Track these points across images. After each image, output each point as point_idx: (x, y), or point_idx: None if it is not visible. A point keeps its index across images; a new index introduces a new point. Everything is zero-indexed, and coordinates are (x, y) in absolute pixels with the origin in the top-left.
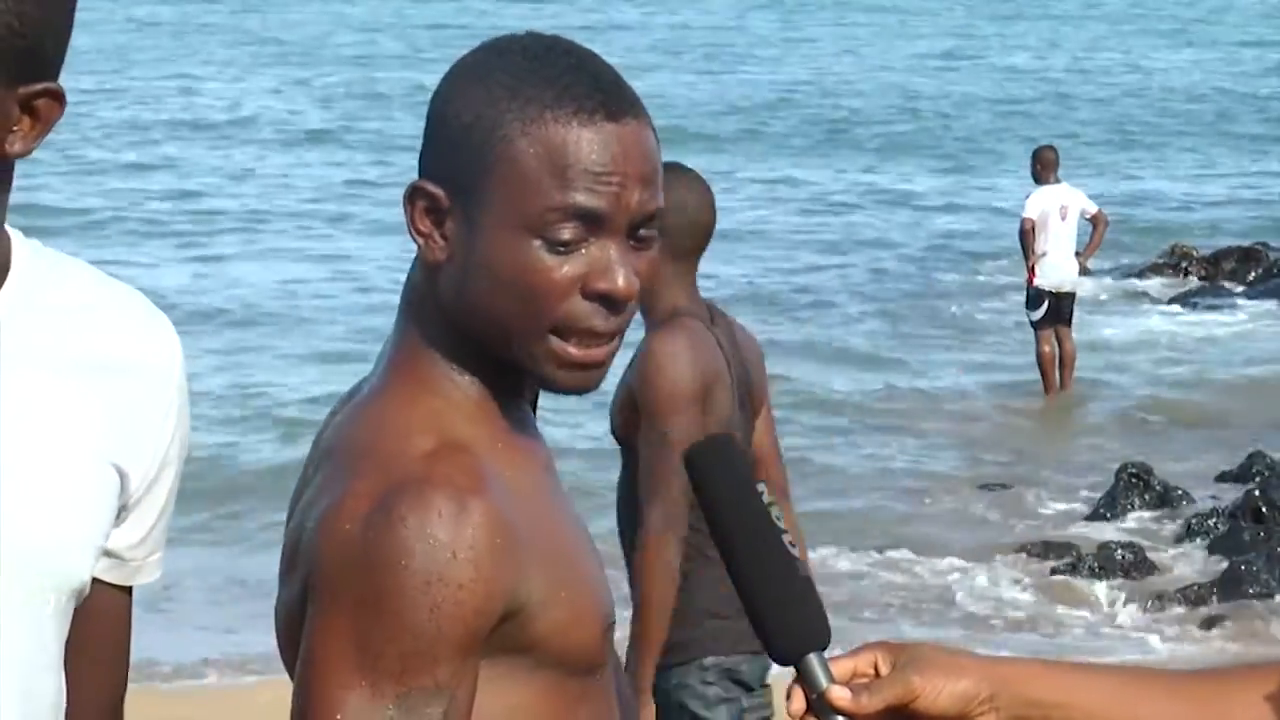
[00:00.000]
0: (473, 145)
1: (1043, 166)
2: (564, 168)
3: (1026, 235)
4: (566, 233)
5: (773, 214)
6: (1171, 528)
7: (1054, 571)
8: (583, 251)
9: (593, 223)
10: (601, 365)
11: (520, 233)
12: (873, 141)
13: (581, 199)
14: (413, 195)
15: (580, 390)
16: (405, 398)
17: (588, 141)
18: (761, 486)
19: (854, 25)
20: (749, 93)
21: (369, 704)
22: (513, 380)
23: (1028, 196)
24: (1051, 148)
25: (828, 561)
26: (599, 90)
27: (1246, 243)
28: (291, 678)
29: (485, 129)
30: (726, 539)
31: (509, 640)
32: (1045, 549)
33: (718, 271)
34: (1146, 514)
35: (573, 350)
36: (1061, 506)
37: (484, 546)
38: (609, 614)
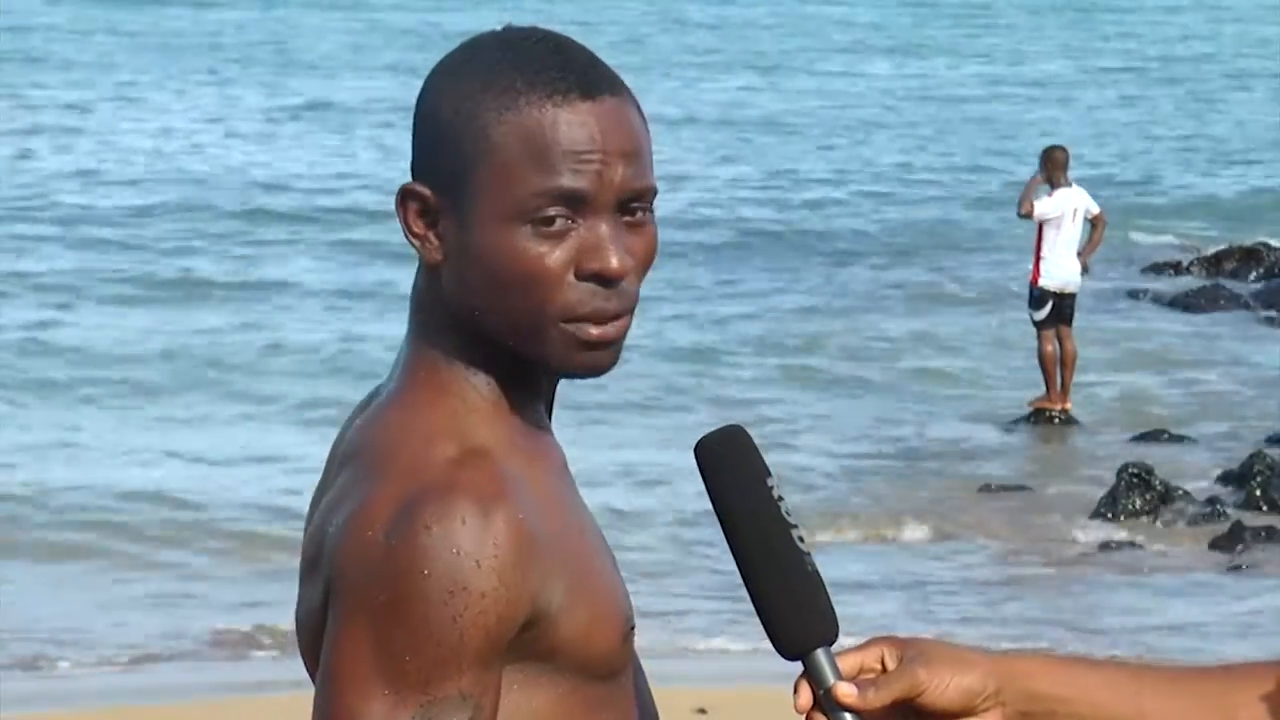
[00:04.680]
0: (453, 140)
1: (1054, 167)
2: (543, 151)
3: (1039, 238)
4: (553, 215)
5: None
6: (1172, 528)
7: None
8: (572, 234)
9: (578, 203)
10: (615, 343)
11: (508, 221)
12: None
13: (564, 181)
14: (404, 198)
15: (597, 371)
16: (425, 401)
17: (564, 122)
18: (772, 480)
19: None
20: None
21: (391, 713)
22: (528, 380)
23: (1037, 199)
24: (1062, 148)
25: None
26: (571, 71)
27: (1248, 242)
28: (314, 682)
29: (463, 122)
30: (734, 532)
31: (531, 647)
32: (1046, 548)
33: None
34: (1147, 513)
35: (590, 329)
36: (1063, 506)
37: (508, 554)
38: (629, 618)
